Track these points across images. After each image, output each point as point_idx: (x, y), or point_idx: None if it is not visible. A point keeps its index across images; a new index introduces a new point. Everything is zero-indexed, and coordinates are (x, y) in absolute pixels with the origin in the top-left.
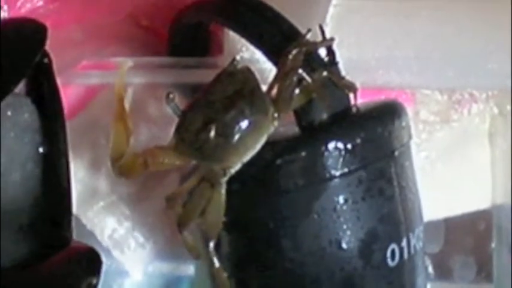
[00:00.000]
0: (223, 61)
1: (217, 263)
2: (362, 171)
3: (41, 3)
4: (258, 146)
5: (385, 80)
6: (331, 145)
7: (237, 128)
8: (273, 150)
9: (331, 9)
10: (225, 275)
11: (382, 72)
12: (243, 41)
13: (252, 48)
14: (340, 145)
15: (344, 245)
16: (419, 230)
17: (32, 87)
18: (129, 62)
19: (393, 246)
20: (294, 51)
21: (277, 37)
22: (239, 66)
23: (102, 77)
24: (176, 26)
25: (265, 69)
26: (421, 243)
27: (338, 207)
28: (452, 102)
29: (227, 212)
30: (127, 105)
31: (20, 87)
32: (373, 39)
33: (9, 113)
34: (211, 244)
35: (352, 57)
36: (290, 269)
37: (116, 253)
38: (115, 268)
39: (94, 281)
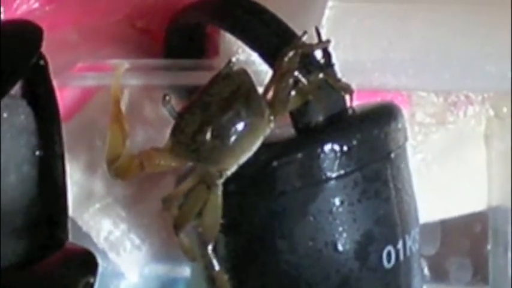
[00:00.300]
0: (219, 63)
1: (217, 266)
2: (358, 173)
3: (36, 5)
4: (254, 148)
5: (381, 82)
6: (327, 147)
7: (233, 130)
8: (269, 152)
9: (327, 12)
10: (225, 277)
11: (378, 74)
12: (239, 43)
13: (248, 50)
14: (336, 147)
15: (340, 247)
16: (415, 232)
17: (28, 89)
18: (125, 64)
19: (389, 248)
20: (290, 53)
21: (273, 39)
22: (235, 68)
23: (98, 79)
24: (172, 28)
25: (261, 71)
26: (417, 245)
27: (334, 209)
28: (448, 104)
29: (223, 213)
30: (123, 107)
31: (16, 89)
32: (369, 41)
33: (5, 115)
34: (210, 247)
35: (348, 59)
36: (286, 271)
37: (111, 255)
38: (111, 270)
39: (90, 283)
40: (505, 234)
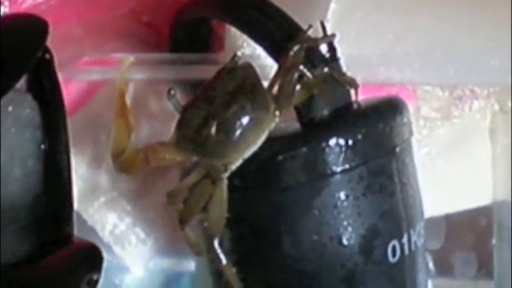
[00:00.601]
0: (224, 57)
1: (224, 260)
2: (363, 168)
3: None
4: (259, 142)
5: (386, 76)
6: (332, 141)
7: (238, 124)
8: (274, 146)
9: (332, 5)
10: (233, 270)
11: (383, 68)
12: (244, 37)
13: (253, 44)
14: (341, 141)
15: (345, 241)
16: (420, 226)
17: (33, 83)
18: (130, 58)
19: (394, 242)
20: (295, 48)
21: (279, 33)
22: (240, 62)
23: (103, 73)
24: (177, 22)
25: (266, 65)
26: (422, 240)
27: (339, 203)
28: (453, 99)
29: (228, 208)
30: (128, 101)
31: (21, 83)
32: (375, 35)
33: (10, 109)
34: (216, 241)
35: (353, 53)
36: (291, 265)
37: (116, 249)
38: (116, 264)
39: (95, 277)
40: (510, 228)
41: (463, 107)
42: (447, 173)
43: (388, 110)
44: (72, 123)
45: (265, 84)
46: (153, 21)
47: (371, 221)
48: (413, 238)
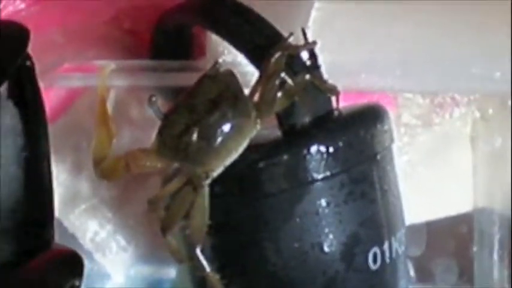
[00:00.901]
0: (205, 64)
1: (207, 267)
2: (344, 175)
3: (23, 5)
4: (241, 149)
5: (367, 84)
6: (313, 148)
7: (219, 131)
8: (255, 153)
9: (313, 13)
10: (217, 277)
11: (364, 75)
12: (226, 44)
13: (234, 51)
14: (322, 148)
15: (326, 249)
16: (401, 234)
17: (14, 90)
18: (111, 65)
19: (375, 249)
20: (277, 55)
21: (260, 40)
22: (221, 69)
23: (84, 79)
24: (158, 29)
25: (248, 72)
26: (403, 247)
27: (320, 210)
28: (434, 106)
29: (209, 215)
30: (109, 108)
31: (2, 90)
32: (356, 42)
33: None
34: (198, 249)
35: (334, 61)
36: (272, 273)
37: (97, 256)
38: (97, 271)
39: (76, 284)
40: (490, 235)
41: (444, 114)
42: (428, 180)
43: (369, 117)
44: (53, 130)
45: (247, 91)
46: (134, 28)
47: (352, 228)
48: (395, 245)
